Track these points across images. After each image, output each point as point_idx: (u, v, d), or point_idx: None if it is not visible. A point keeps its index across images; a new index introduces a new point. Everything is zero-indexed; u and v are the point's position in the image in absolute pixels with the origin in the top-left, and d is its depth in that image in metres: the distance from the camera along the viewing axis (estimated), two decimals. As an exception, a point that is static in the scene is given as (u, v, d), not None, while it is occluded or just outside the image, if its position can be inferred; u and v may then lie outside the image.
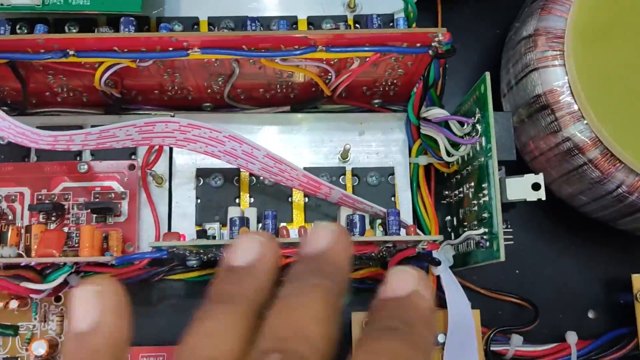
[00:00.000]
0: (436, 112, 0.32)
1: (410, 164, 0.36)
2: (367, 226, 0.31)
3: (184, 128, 0.30)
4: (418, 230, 0.30)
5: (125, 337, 0.18)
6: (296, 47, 0.29)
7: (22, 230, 0.29)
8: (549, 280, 0.38)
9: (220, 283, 0.19)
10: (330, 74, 0.32)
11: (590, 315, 0.38)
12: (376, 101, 0.37)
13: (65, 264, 0.28)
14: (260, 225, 0.32)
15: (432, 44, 0.30)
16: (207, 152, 0.31)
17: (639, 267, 0.37)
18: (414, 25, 0.38)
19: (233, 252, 0.20)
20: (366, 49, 0.30)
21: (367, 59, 0.30)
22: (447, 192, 0.36)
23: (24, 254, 0.28)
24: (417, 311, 0.18)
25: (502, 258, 0.27)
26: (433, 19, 0.41)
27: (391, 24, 0.37)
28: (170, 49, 0.29)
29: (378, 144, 0.37)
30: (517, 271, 0.38)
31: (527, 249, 0.38)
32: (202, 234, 0.30)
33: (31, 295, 0.29)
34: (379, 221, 0.32)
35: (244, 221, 0.31)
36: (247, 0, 0.37)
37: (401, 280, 0.19)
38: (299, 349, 0.17)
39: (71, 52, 0.28)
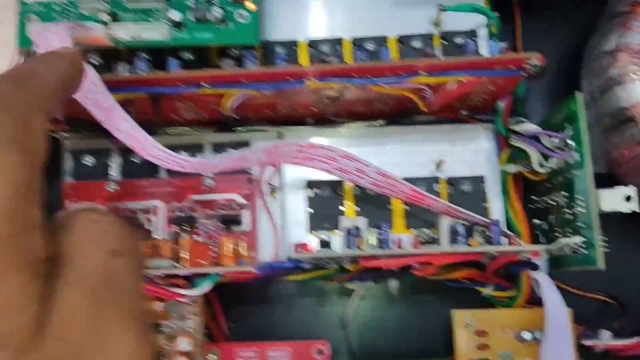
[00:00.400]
0: (528, 127, 0.35)
1: (500, 172, 0.39)
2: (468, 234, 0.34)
3: (303, 148, 0.33)
4: (520, 240, 0.33)
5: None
6: (400, 73, 0.33)
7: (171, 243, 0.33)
8: (634, 280, 0.40)
9: None
10: (427, 92, 0.35)
11: (675, 311, 0.40)
12: (463, 112, 0.40)
13: (215, 272, 0.32)
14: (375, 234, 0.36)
15: (525, 66, 0.32)
16: (321, 169, 0.35)
17: None
18: (498, 41, 0.41)
19: None
20: (464, 72, 0.33)
21: (465, 82, 0.33)
22: (535, 197, 0.39)
23: (177, 265, 0.32)
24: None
25: (602, 266, 0.30)
26: (511, 29, 0.43)
27: (474, 38, 0.40)
28: (290, 79, 0.33)
29: (468, 153, 0.39)
30: (602, 272, 0.40)
31: (613, 252, 0.40)
32: (324, 244, 0.34)
33: (177, 298, 0.34)
34: (476, 228, 0.36)
35: (358, 230, 0.34)
36: (338, 21, 0.41)
37: None
38: None
39: (205, 85, 0.32)
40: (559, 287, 0.36)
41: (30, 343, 0.15)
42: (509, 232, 0.34)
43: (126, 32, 0.36)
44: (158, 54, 0.39)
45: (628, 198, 0.32)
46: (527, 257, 0.32)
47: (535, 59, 0.32)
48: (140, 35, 0.36)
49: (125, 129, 0.30)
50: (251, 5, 0.36)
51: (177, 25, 0.36)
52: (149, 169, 0.38)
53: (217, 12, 0.35)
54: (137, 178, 0.38)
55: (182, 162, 0.31)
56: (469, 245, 0.34)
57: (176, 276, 0.32)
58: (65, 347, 0.16)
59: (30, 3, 0.36)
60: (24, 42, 0.36)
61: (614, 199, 0.32)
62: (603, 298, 0.39)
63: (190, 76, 0.32)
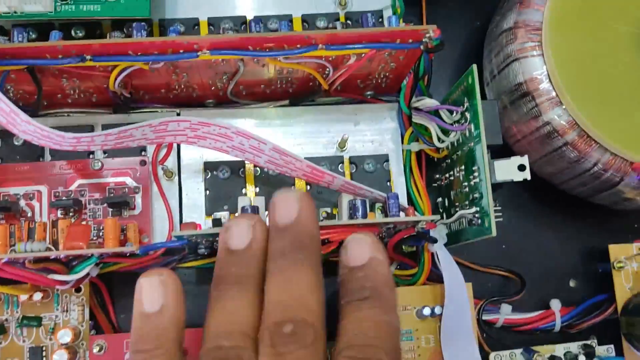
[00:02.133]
0: (428, 102, 0.35)
1: (403, 150, 0.39)
2: (368, 210, 0.34)
3: (194, 126, 0.32)
4: (416, 212, 0.33)
5: (183, 318, 0.22)
6: (298, 46, 0.32)
7: (49, 226, 0.31)
8: (533, 253, 0.41)
9: (226, 266, 0.23)
10: (328, 70, 0.35)
11: (572, 284, 0.41)
12: (368, 93, 0.39)
13: (92, 255, 0.30)
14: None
15: (423, 40, 0.32)
16: (216, 148, 0.33)
17: (616, 238, 0.40)
18: (401, 20, 0.41)
19: (230, 237, 0.23)
20: (363, 46, 0.32)
21: (363, 55, 0.33)
22: (437, 176, 0.39)
23: (52, 247, 0.30)
24: (380, 276, 0.22)
25: (494, 234, 0.30)
26: (417, 13, 0.44)
27: (380, 19, 0.40)
28: (181, 51, 0.31)
29: (372, 133, 0.39)
30: (503, 246, 0.41)
31: (512, 226, 0.41)
32: (217, 222, 0.33)
33: (57, 286, 0.31)
34: (378, 205, 0.35)
35: (255, 209, 0.33)
36: (243, 1, 0.40)
37: (359, 248, 0.23)
38: (304, 316, 0.21)
39: (88, 57, 0.30)
40: (459, 264, 0.36)
41: None
42: (406, 206, 0.33)
43: (6, 4, 0.34)
44: (44, 31, 0.36)
45: (521, 167, 0.32)
46: (423, 228, 0.32)
47: (432, 31, 0.31)
48: (21, 8, 0.34)
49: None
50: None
51: (61, -4, 0.34)
52: (32, 152, 0.36)
53: (104, -18, 0.33)
54: (19, 162, 0.35)
55: (57, 138, 0.29)
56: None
57: (52, 260, 0.30)
58: None
59: None
60: None
61: (508, 169, 0.32)
62: (503, 273, 0.39)
63: (71, 45, 0.29)
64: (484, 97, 0.40)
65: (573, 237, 0.41)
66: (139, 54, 0.31)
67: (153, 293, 0.22)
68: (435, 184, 0.39)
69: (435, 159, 0.39)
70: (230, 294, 0.22)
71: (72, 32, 0.36)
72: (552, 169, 0.37)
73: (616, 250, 0.38)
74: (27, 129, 0.29)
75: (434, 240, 0.33)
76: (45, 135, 0.29)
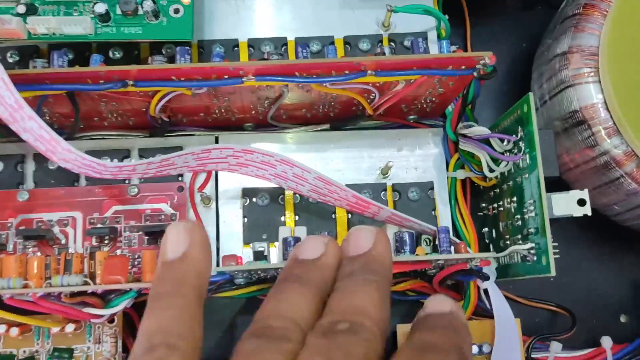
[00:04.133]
0: (478, 130, 0.33)
1: (448, 178, 0.37)
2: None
3: (237, 153, 0.30)
4: (468, 248, 0.31)
5: (207, 269, 0.21)
6: (347, 72, 0.30)
7: (86, 257, 0.30)
8: (582, 287, 0.39)
9: (290, 269, 0.22)
10: (373, 95, 0.33)
11: (623, 319, 0.39)
12: (411, 117, 0.38)
13: (131, 289, 0.29)
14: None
15: (477, 67, 0.31)
16: (257, 176, 0.32)
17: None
18: (451, 45, 0.39)
19: (301, 249, 0.23)
20: (414, 72, 0.31)
21: (413, 81, 0.31)
22: (483, 205, 0.37)
23: (90, 281, 0.29)
24: (456, 327, 0.21)
25: (553, 273, 0.29)
26: (461, 33, 0.42)
27: (425, 41, 0.38)
28: (226, 77, 0.30)
29: (416, 159, 0.37)
30: (551, 279, 0.39)
31: (561, 257, 0.39)
32: (258, 255, 0.31)
33: (92, 320, 0.30)
34: (424, 236, 0.34)
35: (297, 241, 0.32)
36: (283, 21, 0.38)
37: (439, 303, 0.22)
38: (363, 322, 0.19)
39: (130, 82, 0.29)
40: (507, 297, 0.34)
41: None
42: (456, 240, 0.32)
43: (45, 25, 0.33)
44: (82, 52, 0.35)
45: (581, 202, 0.30)
46: (476, 265, 0.30)
47: (487, 58, 0.30)
48: (60, 30, 0.33)
49: (32, 128, 0.27)
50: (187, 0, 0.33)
51: (103, 18, 0.32)
52: (67, 177, 0.35)
53: (148, 4, 0.32)
54: (53, 187, 0.34)
55: (98, 167, 0.28)
56: (416, 254, 0.32)
57: (89, 294, 0.28)
58: None
59: None
60: None
61: (567, 203, 0.30)
62: (553, 308, 0.38)
63: (113, 71, 0.28)
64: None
65: (624, 270, 0.39)
66: (182, 79, 0.30)
67: (177, 240, 0.21)
68: (481, 213, 0.38)
69: (482, 187, 0.37)
70: (289, 288, 0.21)
71: (110, 54, 0.35)
72: (606, 200, 0.36)
73: (671, 286, 0.37)
74: (67, 157, 0.28)
75: (486, 277, 0.32)
76: (86, 164, 0.28)
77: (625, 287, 0.39)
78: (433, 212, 0.36)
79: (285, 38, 0.38)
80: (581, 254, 0.39)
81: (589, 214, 0.30)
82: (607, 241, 0.40)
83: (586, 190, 0.31)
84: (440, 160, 0.37)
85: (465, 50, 0.42)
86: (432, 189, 0.37)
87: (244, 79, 0.30)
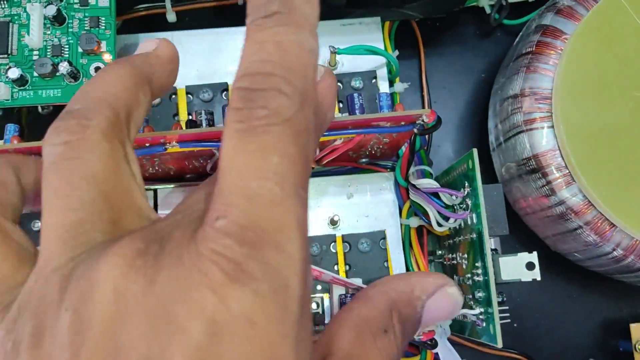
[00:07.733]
0: (425, 183, 0.32)
1: (401, 225, 0.35)
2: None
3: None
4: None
5: (172, 66, 0.21)
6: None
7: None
8: (547, 331, 0.37)
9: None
10: (313, 148, 0.31)
11: (591, 364, 0.37)
12: (363, 160, 0.36)
13: None
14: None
15: (417, 122, 0.29)
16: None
17: (637, 315, 0.36)
18: (397, 79, 0.37)
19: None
20: (350, 131, 0.29)
21: (351, 138, 0.30)
22: (440, 252, 0.36)
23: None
24: None
25: (499, 345, 0.27)
26: (416, 66, 0.40)
27: (374, 80, 0.36)
28: (147, 145, 0.28)
29: (368, 206, 0.36)
30: (515, 325, 0.37)
31: (524, 302, 0.37)
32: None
33: None
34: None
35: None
36: (223, 66, 0.36)
37: None
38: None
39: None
40: (465, 346, 0.33)
41: None
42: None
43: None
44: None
45: (530, 265, 0.29)
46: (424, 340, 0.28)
47: (426, 116, 0.28)
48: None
49: None
50: (108, 57, 0.31)
51: (18, 83, 0.30)
52: None
53: (63, 67, 0.30)
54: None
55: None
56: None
57: None
58: None
59: None
60: None
61: (515, 267, 0.28)
62: (515, 356, 0.36)
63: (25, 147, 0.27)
64: (488, 161, 0.36)
65: (591, 313, 0.38)
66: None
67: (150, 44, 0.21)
68: (439, 261, 0.36)
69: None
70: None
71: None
72: (566, 247, 0.34)
73: (638, 331, 0.35)
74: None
75: (434, 346, 0.30)
76: None
77: (594, 330, 0.38)
78: (385, 264, 0.35)
79: (226, 83, 0.36)
80: (546, 297, 0.38)
81: (538, 278, 0.29)
82: (574, 283, 0.38)
83: (535, 253, 0.29)
84: (394, 206, 0.36)
85: (421, 83, 0.40)
86: (384, 238, 0.35)
87: (166, 147, 0.28)
